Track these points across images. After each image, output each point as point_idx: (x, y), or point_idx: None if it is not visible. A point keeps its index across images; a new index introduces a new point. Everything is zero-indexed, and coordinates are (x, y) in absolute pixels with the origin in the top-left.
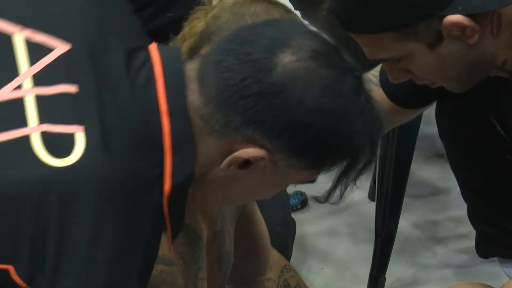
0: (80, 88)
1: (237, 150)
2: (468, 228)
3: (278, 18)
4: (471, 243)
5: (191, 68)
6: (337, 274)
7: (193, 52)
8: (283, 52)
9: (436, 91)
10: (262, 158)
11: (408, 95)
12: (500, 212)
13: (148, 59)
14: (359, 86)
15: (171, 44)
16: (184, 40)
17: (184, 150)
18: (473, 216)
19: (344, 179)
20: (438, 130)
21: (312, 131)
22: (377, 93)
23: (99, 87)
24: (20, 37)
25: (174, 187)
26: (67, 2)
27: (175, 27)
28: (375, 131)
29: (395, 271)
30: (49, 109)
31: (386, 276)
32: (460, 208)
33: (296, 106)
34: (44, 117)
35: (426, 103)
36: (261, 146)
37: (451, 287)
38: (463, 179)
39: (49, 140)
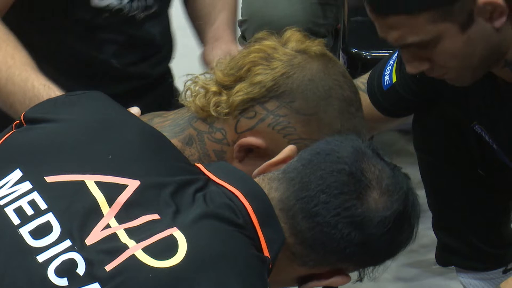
0: (161, 215)
1: (322, 278)
2: (417, 244)
3: (341, 150)
4: (420, 257)
5: (272, 197)
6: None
7: (250, 104)
8: (372, 194)
9: (419, 104)
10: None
11: (392, 104)
12: (465, 223)
13: (200, 176)
14: (416, 213)
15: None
16: (240, 77)
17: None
18: (437, 226)
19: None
20: (413, 140)
21: (388, 256)
22: (363, 99)
23: (177, 212)
24: (91, 181)
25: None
26: (127, 145)
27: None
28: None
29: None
30: (141, 233)
31: None
32: None
33: (383, 243)
34: (139, 238)
35: (407, 113)
36: (344, 271)
37: None
38: (432, 189)
39: (151, 249)
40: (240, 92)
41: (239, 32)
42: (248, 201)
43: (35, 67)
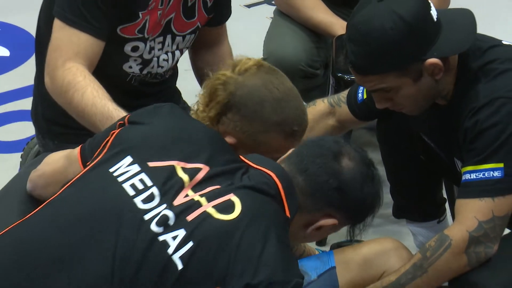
0: (222, 186)
1: (318, 221)
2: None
3: (324, 138)
4: (382, 211)
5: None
6: None
7: (219, 116)
8: (344, 159)
9: (381, 112)
10: (334, 224)
11: (364, 112)
12: (411, 191)
13: (244, 164)
14: (377, 177)
15: (195, 105)
16: (208, 103)
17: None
18: (393, 192)
19: (360, 225)
20: (376, 135)
21: (362, 206)
22: (344, 108)
23: (232, 184)
24: (179, 166)
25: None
26: (198, 142)
27: None
28: (380, 200)
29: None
30: (210, 196)
31: None
32: None
33: (356, 192)
34: (209, 199)
35: (373, 118)
36: (333, 216)
37: (372, 240)
38: (390, 169)
39: (217, 207)
40: (212, 109)
41: None
42: (279, 180)
43: (110, 98)
